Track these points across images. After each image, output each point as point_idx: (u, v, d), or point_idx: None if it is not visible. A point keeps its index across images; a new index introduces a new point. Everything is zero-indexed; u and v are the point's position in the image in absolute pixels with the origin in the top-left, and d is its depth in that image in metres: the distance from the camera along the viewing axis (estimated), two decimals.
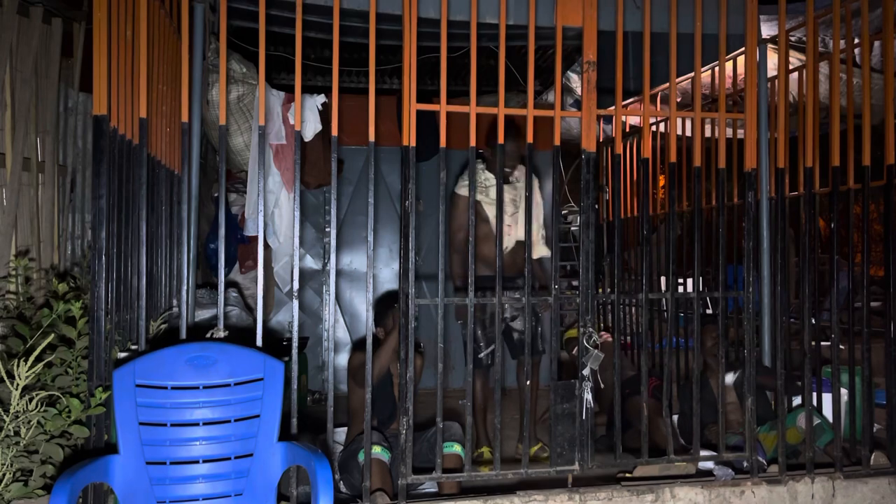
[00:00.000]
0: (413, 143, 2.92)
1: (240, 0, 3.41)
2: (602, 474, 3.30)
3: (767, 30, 4.19)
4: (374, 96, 2.92)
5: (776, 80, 4.11)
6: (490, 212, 4.12)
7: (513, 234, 4.21)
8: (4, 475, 2.19)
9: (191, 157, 3.08)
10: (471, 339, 3.13)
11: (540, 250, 4.31)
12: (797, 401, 3.96)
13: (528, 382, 3.34)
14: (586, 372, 3.07)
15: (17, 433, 2.27)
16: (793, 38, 4.25)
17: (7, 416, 2.25)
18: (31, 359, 2.28)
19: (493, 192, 4.10)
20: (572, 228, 7.39)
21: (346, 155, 5.65)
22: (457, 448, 3.12)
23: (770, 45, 4.14)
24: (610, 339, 3.29)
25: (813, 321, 3.51)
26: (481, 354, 4.03)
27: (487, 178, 4.18)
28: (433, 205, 5.65)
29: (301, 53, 2.87)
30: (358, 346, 3.52)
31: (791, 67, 3.97)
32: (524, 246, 4.20)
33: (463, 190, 4.14)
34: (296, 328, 2.88)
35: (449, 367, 5.83)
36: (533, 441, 4.14)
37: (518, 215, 4.22)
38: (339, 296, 6.00)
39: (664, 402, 3.33)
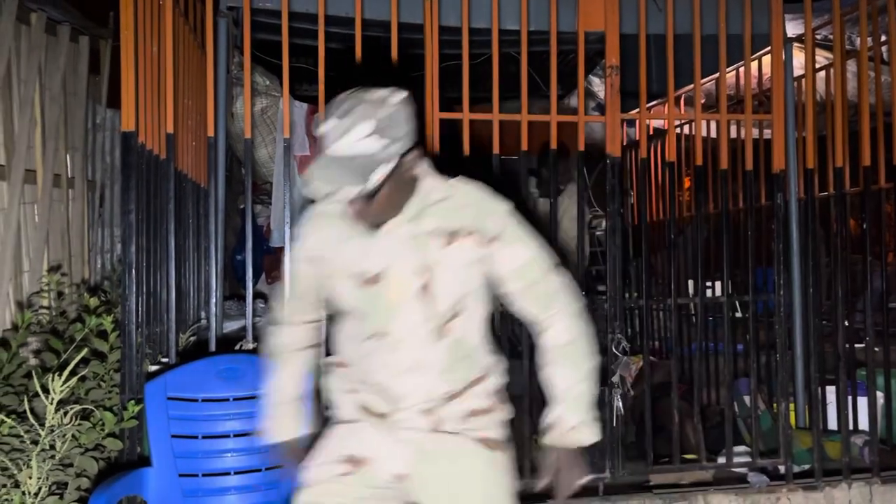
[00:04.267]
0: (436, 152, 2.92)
1: (262, 14, 3.43)
2: (633, 482, 3.26)
3: (793, 28, 4.13)
4: None
5: (803, 80, 4.05)
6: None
7: None
8: (41, 488, 2.21)
9: (217, 170, 3.11)
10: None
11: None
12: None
13: None
14: (615, 379, 3.05)
15: (52, 447, 2.30)
16: (819, 37, 4.18)
17: (43, 429, 2.28)
18: (66, 373, 2.30)
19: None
20: (597, 233, 7.34)
21: None
22: None
23: (796, 44, 4.09)
24: (641, 365, 3.29)
25: (846, 323, 3.45)
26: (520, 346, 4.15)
27: (532, 193, 4.40)
28: None
29: (324, 65, 2.89)
30: None
31: (818, 66, 3.91)
32: None
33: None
34: (323, 337, 2.88)
35: None
36: None
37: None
38: None
39: (695, 407, 3.28)
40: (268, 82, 4.51)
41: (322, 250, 1.77)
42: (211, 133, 2.95)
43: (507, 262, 1.69)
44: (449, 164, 3.16)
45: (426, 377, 1.70)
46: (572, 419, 1.68)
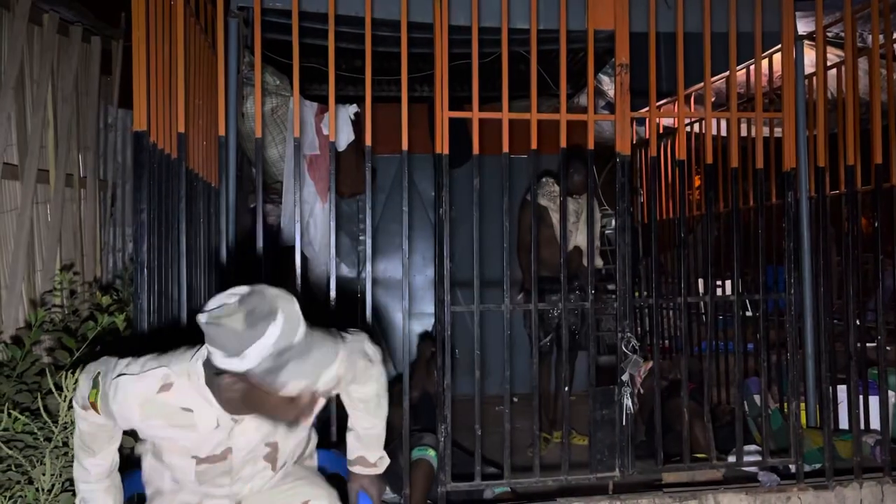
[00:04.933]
0: (446, 151, 2.93)
1: (273, 13, 3.45)
2: (644, 480, 3.25)
3: (804, 26, 4.11)
4: (407, 105, 2.93)
5: (814, 77, 4.03)
6: (554, 217, 4.39)
7: (571, 240, 4.46)
8: (54, 485, 2.23)
9: (228, 169, 3.12)
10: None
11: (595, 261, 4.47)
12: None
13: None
14: (625, 377, 3.04)
15: (65, 444, 2.32)
16: (830, 34, 4.16)
17: (56, 427, 2.30)
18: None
19: (558, 203, 4.27)
20: (607, 232, 7.33)
21: (379, 163, 5.67)
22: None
23: (807, 42, 4.07)
24: (651, 366, 3.29)
25: (857, 322, 3.43)
26: (542, 342, 4.31)
27: (555, 190, 4.44)
28: (466, 211, 5.65)
29: (334, 64, 2.91)
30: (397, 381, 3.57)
31: (829, 64, 3.89)
32: (579, 251, 4.36)
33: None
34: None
35: (485, 374, 5.80)
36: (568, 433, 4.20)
37: (578, 224, 4.48)
38: (374, 303, 6.00)
39: (705, 406, 3.28)
40: (278, 82, 4.53)
41: (153, 432, 1.78)
42: (222, 132, 2.97)
43: (356, 393, 1.98)
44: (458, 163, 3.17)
45: (265, 479, 1.94)
46: (373, 457, 2.09)
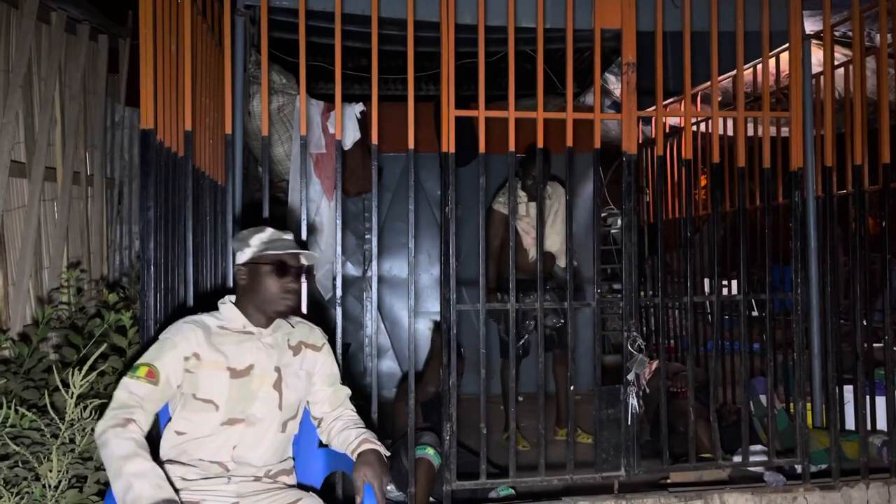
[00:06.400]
0: (452, 150, 2.92)
1: (279, 12, 3.45)
2: (649, 480, 3.25)
3: (811, 25, 4.09)
4: (413, 104, 2.93)
5: (821, 77, 4.02)
6: (520, 225, 4.36)
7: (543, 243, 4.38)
8: (61, 481, 2.24)
9: (234, 167, 3.13)
10: (512, 341, 3.10)
11: (560, 261, 4.42)
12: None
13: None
14: (631, 377, 3.04)
15: (72, 440, 2.33)
16: (837, 33, 4.15)
17: (63, 423, 2.31)
18: (85, 368, 2.33)
19: (522, 209, 4.41)
20: (612, 231, 7.32)
21: (384, 162, 5.67)
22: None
23: (814, 41, 4.05)
24: (657, 365, 3.29)
25: (864, 322, 3.42)
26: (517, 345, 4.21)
27: (520, 196, 4.40)
28: (472, 210, 5.65)
29: (340, 63, 2.91)
30: (405, 379, 3.59)
31: (836, 63, 3.88)
32: (549, 256, 4.34)
33: (499, 206, 4.43)
34: (339, 335, 2.90)
35: (490, 372, 5.80)
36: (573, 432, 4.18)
37: (554, 226, 4.43)
38: (379, 302, 6.02)
39: (711, 406, 3.27)
40: (284, 80, 4.53)
41: (199, 349, 2.16)
42: (228, 131, 2.98)
43: (326, 368, 2.38)
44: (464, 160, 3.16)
45: (263, 452, 2.18)
46: (374, 440, 2.25)
